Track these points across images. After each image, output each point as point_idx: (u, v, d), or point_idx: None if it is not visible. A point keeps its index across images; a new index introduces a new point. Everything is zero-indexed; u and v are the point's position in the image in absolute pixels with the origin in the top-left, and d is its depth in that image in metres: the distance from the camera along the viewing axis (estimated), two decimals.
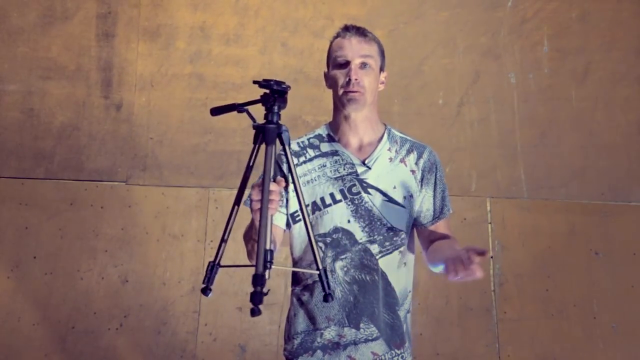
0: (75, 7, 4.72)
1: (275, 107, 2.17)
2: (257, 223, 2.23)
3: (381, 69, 2.56)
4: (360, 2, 4.83)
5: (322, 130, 2.63)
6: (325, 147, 2.57)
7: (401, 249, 2.51)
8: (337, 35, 2.56)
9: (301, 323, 2.52)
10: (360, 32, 2.53)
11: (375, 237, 2.49)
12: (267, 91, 2.17)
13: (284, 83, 2.16)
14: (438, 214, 2.55)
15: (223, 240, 2.25)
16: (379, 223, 2.49)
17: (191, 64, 4.73)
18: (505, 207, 4.67)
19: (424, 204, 2.54)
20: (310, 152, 2.58)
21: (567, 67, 4.86)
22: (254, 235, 2.33)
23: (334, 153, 2.55)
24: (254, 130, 2.18)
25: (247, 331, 4.33)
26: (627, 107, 4.83)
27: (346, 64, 2.46)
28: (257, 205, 2.16)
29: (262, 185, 2.13)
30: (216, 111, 2.34)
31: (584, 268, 4.59)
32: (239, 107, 2.23)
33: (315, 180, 2.54)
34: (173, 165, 4.62)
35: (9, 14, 4.68)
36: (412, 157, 2.56)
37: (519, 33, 4.88)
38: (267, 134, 2.16)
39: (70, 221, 4.48)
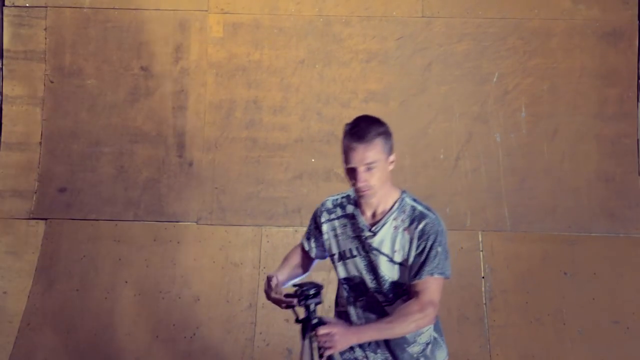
0: (156, 86, 5.21)
1: (312, 305, 2.46)
2: None
3: (389, 153, 2.60)
4: (378, 79, 5.12)
5: (352, 193, 2.74)
6: (349, 209, 2.74)
7: (404, 297, 2.64)
8: (345, 136, 2.58)
9: None
10: (362, 138, 2.52)
11: (381, 288, 2.66)
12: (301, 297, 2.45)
13: (319, 286, 2.47)
14: (413, 277, 2.58)
15: None
16: (382, 278, 2.65)
17: (246, 130, 5.17)
18: (493, 238, 4.94)
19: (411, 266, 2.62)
20: (339, 211, 2.77)
21: (540, 128, 5.09)
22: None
23: (353, 217, 2.71)
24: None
25: (292, 338, 4.57)
26: (588, 159, 5.07)
27: (354, 169, 2.54)
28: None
29: None
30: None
31: (555, 285, 4.80)
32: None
33: (341, 235, 2.74)
34: (233, 209, 5.08)
35: (105, 92, 5.23)
36: (413, 227, 2.61)
37: (502, 102, 5.11)
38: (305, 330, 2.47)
39: (153, 254, 4.98)
